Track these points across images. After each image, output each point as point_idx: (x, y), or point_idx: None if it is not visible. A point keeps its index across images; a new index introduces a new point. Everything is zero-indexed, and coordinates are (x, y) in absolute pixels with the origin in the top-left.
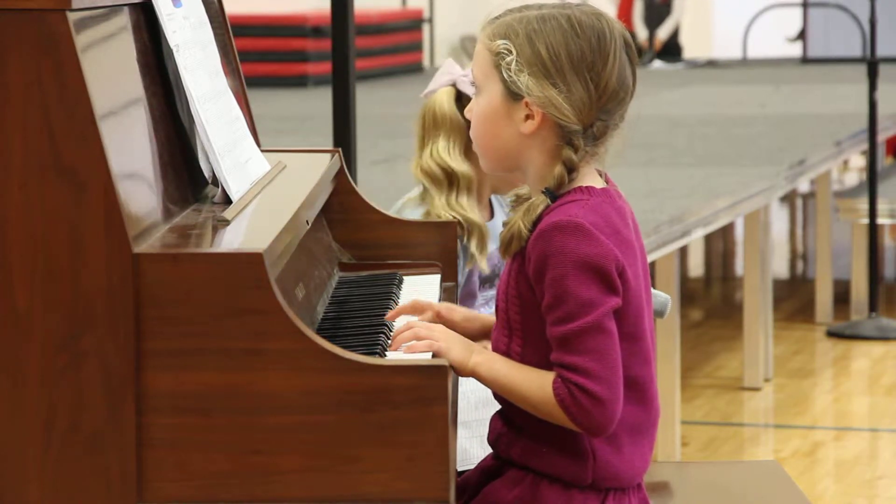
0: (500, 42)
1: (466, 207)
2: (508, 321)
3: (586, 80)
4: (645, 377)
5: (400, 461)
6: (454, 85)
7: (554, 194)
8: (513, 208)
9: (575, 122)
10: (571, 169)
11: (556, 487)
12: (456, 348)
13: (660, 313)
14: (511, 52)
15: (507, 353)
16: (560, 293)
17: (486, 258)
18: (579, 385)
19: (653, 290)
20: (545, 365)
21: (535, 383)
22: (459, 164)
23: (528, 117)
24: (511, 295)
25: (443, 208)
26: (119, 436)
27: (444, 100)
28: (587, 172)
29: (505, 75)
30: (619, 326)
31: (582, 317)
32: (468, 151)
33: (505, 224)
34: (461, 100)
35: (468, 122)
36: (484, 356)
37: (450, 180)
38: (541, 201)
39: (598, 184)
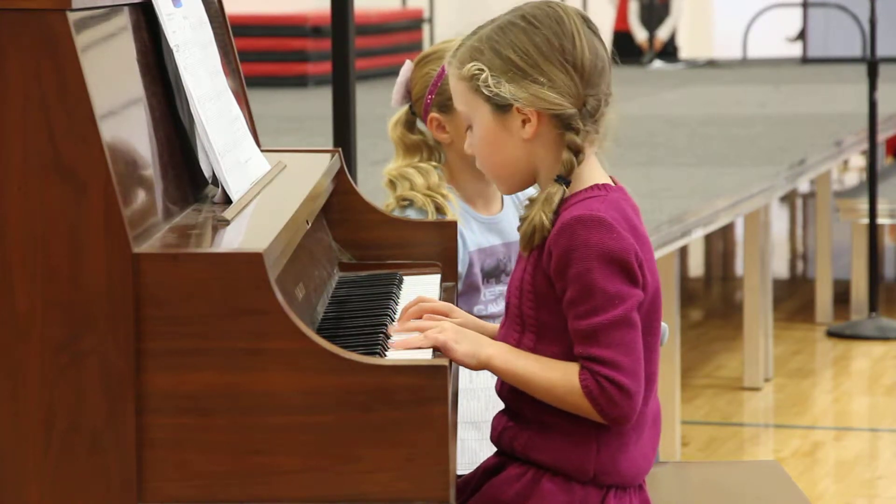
0: (469, 66)
1: (432, 189)
2: (521, 316)
3: (563, 65)
4: (652, 373)
5: (400, 461)
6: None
7: (566, 180)
8: (527, 207)
9: (569, 106)
10: (577, 151)
11: (557, 482)
12: (465, 342)
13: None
14: (483, 69)
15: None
16: (586, 287)
17: (490, 252)
18: (609, 378)
19: None
20: (559, 359)
21: (557, 373)
22: (404, 168)
23: (524, 122)
24: (526, 290)
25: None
26: (119, 436)
27: (389, 126)
28: (596, 168)
29: (487, 93)
30: None
31: (609, 310)
32: (413, 157)
33: (522, 220)
34: (416, 115)
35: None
36: (496, 347)
37: (401, 180)
38: (556, 189)
39: (610, 183)
